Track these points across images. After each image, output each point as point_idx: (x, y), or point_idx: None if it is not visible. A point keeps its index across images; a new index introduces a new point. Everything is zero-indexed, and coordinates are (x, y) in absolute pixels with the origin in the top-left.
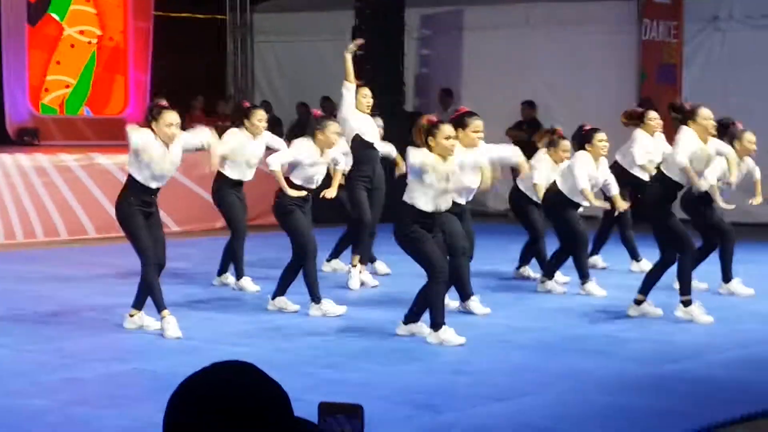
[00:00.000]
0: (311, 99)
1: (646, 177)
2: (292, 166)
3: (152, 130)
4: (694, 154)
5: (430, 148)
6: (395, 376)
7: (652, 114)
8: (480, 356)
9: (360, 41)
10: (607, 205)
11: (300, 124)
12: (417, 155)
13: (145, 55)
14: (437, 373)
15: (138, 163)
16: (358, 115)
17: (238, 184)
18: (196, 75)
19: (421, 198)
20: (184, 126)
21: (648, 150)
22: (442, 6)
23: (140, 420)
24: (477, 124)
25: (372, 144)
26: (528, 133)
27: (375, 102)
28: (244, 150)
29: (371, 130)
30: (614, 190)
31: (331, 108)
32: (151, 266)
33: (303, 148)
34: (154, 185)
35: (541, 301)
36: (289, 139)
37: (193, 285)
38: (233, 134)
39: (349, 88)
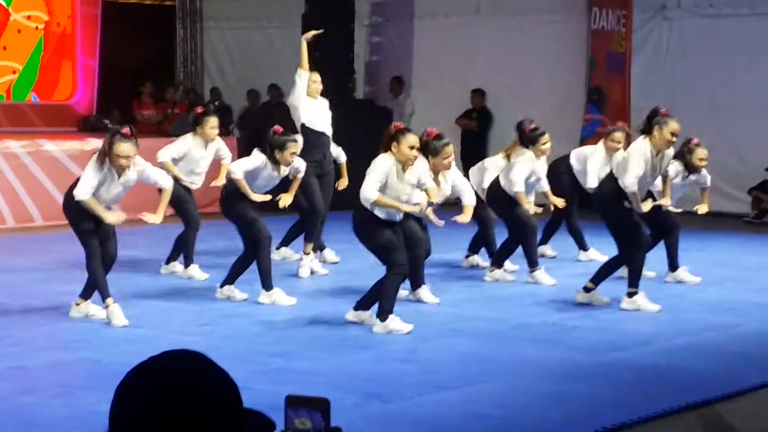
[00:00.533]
0: (261, 86)
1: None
2: (249, 175)
3: (107, 156)
4: (645, 169)
5: (392, 153)
6: (343, 364)
7: (617, 135)
8: (428, 345)
9: (318, 32)
10: (538, 210)
11: (249, 112)
12: (381, 164)
13: (93, 40)
14: (386, 362)
15: None
16: (308, 103)
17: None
18: (146, 61)
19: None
20: (133, 113)
21: (600, 174)
22: None
23: (87, 409)
24: (447, 150)
25: (322, 132)
26: (477, 121)
27: (325, 89)
28: (191, 156)
29: (322, 115)
30: (546, 186)
31: (278, 95)
32: (95, 257)
33: (261, 161)
34: (103, 205)
35: (489, 289)
36: (238, 126)
37: (140, 274)
38: (184, 140)
39: (302, 75)
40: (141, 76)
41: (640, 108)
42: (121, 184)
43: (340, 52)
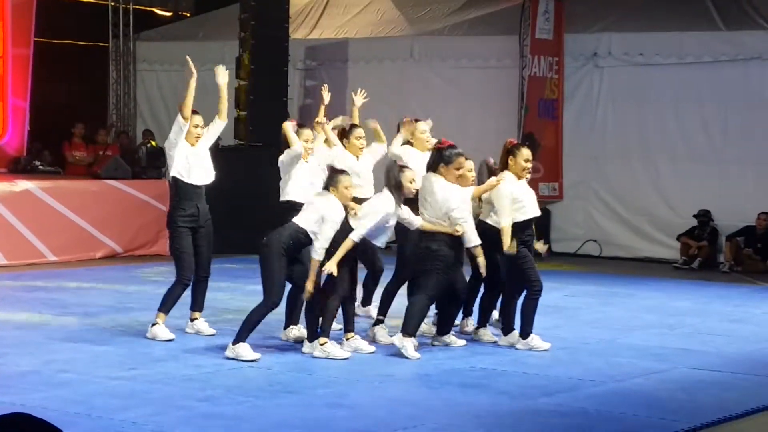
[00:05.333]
0: None
1: None
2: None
3: None
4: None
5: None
6: (271, 409)
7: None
8: (358, 390)
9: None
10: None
11: None
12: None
13: (24, 81)
14: (314, 407)
15: None
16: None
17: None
18: (78, 102)
19: None
20: (64, 154)
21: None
22: (327, 38)
23: None
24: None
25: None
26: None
27: (259, 133)
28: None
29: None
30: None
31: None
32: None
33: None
34: None
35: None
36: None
37: (68, 317)
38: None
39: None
40: (73, 118)
41: (571, 154)
42: None
43: (274, 95)
